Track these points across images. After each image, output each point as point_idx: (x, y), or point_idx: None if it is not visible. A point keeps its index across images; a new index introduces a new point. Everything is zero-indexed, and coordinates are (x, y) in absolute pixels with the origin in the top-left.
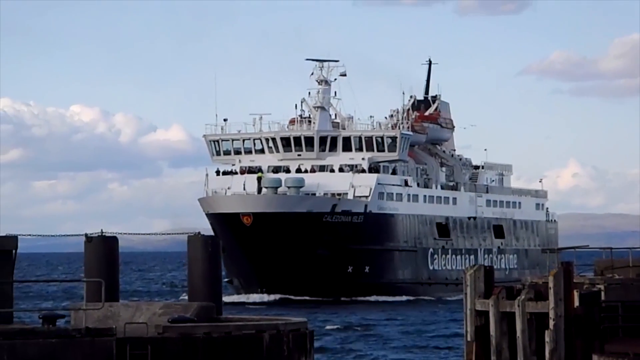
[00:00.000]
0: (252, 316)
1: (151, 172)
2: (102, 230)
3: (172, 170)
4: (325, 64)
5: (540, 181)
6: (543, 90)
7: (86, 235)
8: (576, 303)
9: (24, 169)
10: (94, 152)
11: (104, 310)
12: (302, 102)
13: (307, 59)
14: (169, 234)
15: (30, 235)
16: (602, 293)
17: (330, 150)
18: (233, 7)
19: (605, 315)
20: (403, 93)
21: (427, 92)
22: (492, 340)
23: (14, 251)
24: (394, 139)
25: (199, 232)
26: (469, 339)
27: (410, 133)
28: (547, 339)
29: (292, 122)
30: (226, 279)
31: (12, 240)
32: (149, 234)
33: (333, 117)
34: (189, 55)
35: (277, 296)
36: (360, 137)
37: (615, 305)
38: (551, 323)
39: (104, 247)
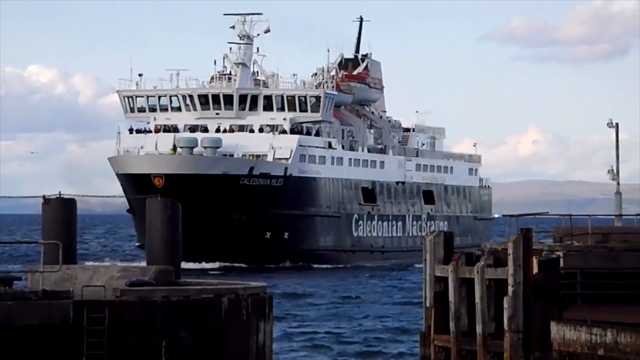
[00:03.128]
0: (211, 280)
1: (110, 134)
2: (60, 192)
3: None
4: (248, 18)
5: (473, 145)
6: (504, 56)
7: (44, 197)
8: (535, 270)
9: None
10: (52, 113)
11: (61, 272)
12: (224, 59)
13: (226, 14)
14: (127, 197)
15: None
16: (561, 260)
17: (250, 110)
18: None
19: (563, 282)
20: (328, 50)
21: (357, 50)
22: (451, 306)
23: None
24: (317, 98)
25: (158, 195)
26: (427, 304)
27: (335, 93)
28: (505, 305)
29: (213, 79)
30: (137, 244)
31: None
32: (107, 196)
33: (257, 74)
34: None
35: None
36: (282, 96)
37: (574, 272)
38: (510, 289)
39: (61, 209)
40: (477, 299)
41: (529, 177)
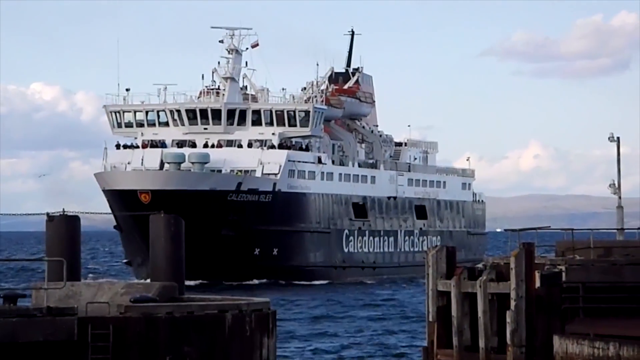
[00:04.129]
0: (215, 296)
1: None
2: (63, 209)
3: None
4: (237, 32)
5: (467, 160)
6: (504, 71)
7: (48, 214)
8: (537, 284)
9: None
10: (55, 130)
11: (65, 289)
12: (213, 73)
13: (213, 27)
14: (131, 214)
15: None
16: (563, 274)
17: (238, 125)
18: None
19: (566, 295)
20: (317, 64)
21: (348, 64)
22: (453, 320)
23: None
24: (306, 113)
25: (161, 211)
26: (430, 319)
27: (325, 107)
28: (508, 319)
29: (201, 94)
30: (124, 260)
31: None
32: (111, 213)
33: (246, 89)
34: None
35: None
36: (270, 111)
37: (576, 286)
38: (512, 303)
39: (65, 226)
40: (480, 314)
41: (531, 192)
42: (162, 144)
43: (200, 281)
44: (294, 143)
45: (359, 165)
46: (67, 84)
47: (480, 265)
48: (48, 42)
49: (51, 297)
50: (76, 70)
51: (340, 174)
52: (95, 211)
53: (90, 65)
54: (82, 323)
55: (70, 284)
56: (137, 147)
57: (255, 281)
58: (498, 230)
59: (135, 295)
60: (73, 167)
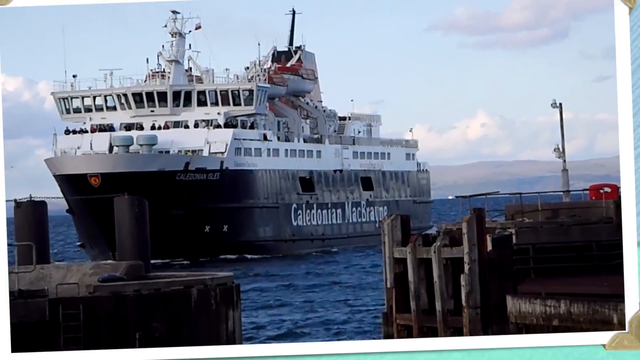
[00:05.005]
0: (180, 272)
1: None
2: (30, 195)
3: None
4: (179, 15)
5: (410, 131)
6: (449, 44)
7: (15, 200)
8: (489, 247)
9: None
10: (19, 119)
11: (35, 272)
12: (158, 56)
13: (174, 11)
14: (96, 197)
15: None
16: (514, 237)
17: (184, 106)
18: None
19: (517, 257)
20: (259, 44)
21: (291, 43)
22: (410, 286)
23: None
24: (250, 91)
25: (125, 193)
26: (388, 285)
27: (268, 85)
28: (462, 282)
29: (148, 77)
30: (78, 243)
31: None
32: (78, 197)
33: (193, 71)
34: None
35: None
36: (215, 91)
37: (527, 248)
38: (466, 267)
39: (33, 211)
40: (436, 278)
41: (480, 159)
42: (110, 128)
43: (154, 261)
44: (239, 122)
45: (305, 141)
46: (30, 74)
47: (433, 232)
48: (10, 34)
49: (22, 281)
50: (37, 61)
51: (286, 150)
52: (60, 196)
53: (49, 55)
54: (53, 304)
55: (40, 267)
56: (86, 131)
57: (221, 257)
58: (450, 197)
59: (104, 275)
60: (39, 155)
